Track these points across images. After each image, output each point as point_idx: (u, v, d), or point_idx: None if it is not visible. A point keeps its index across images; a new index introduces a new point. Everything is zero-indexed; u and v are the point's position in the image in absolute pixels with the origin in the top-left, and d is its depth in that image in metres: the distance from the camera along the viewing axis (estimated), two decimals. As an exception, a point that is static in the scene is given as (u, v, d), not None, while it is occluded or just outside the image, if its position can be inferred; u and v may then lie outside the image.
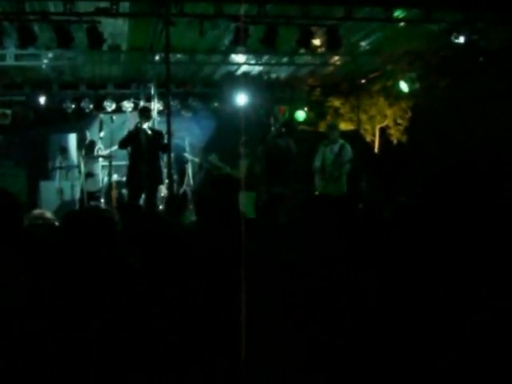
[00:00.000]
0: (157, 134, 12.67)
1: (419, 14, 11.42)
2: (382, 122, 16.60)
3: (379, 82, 16.31)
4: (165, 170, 13.98)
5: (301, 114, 17.13)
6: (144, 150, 12.24)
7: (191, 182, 15.50)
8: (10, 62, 13.35)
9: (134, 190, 12.79)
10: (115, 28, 11.82)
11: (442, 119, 14.06)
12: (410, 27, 12.11)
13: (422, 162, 14.66)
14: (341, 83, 16.97)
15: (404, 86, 14.87)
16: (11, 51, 12.81)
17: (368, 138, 16.80)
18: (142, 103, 16.10)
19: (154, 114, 14.89)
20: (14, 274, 3.36)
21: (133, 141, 12.49)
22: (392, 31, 12.41)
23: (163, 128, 11.83)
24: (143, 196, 12.82)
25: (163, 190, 14.49)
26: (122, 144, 12.90)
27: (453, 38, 11.84)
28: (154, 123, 14.48)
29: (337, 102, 17.05)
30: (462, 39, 11.76)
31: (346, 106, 16.98)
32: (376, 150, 16.73)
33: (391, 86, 15.67)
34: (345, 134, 14.73)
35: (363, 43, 13.36)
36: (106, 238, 3.73)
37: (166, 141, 11.49)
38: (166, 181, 14.25)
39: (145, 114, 12.69)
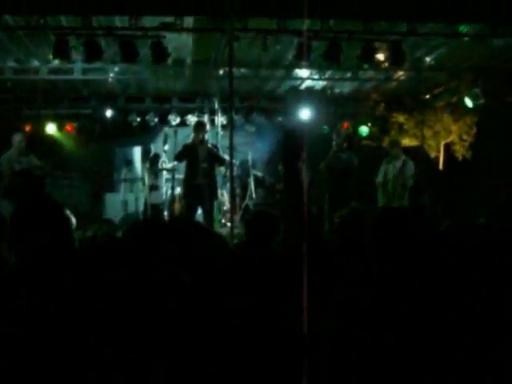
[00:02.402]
0: (213, 147, 12.71)
1: (484, 29, 11.32)
2: (446, 137, 16.43)
3: (444, 98, 16.16)
4: (227, 184, 14.08)
5: (364, 129, 17.12)
6: (199, 163, 12.27)
7: (254, 196, 15.54)
8: (77, 75, 13.62)
9: (189, 203, 12.82)
10: (179, 42, 11.96)
11: (508, 135, 13.89)
12: (474, 42, 12.00)
13: (488, 179, 14.51)
14: (405, 98, 16.88)
15: (469, 102, 14.72)
16: (78, 65, 13.05)
17: (432, 154, 16.65)
18: (206, 117, 16.25)
19: (218, 128, 15.01)
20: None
21: (189, 154, 12.53)
22: (456, 46, 12.32)
23: (226, 142, 11.87)
24: (200, 210, 12.84)
25: (226, 204, 14.56)
26: (178, 157, 12.98)
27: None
28: (217, 137, 14.59)
29: (401, 118, 16.94)
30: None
31: (410, 122, 16.85)
32: (441, 166, 16.57)
33: (456, 102, 15.52)
34: (408, 150, 14.63)
35: (427, 58, 13.28)
36: (163, 251, 3.75)
37: (227, 155, 11.54)
38: (223, 194, 14.39)
39: (199, 128, 12.72)
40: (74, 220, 7.42)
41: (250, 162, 15.73)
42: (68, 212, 6.99)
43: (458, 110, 15.71)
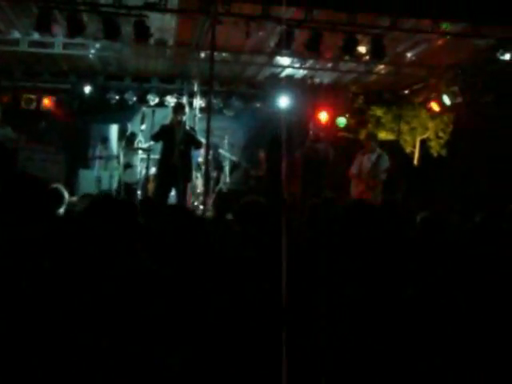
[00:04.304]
0: (191, 130, 12.69)
1: (467, 28, 11.39)
2: (423, 134, 16.54)
3: (422, 94, 16.25)
4: (202, 167, 14.07)
5: (342, 121, 17.09)
6: (176, 145, 12.24)
7: (227, 179, 15.58)
8: (57, 50, 13.53)
9: (162, 184, 12.78)
10: (163, 23, 11.94)
11: (483, 135, 14.00)
12: (456, 41, 12.08)
13: (462, 176, 14.61)
14: (384, 92, 16.94)
15: (446, 100, 14.87)
16: (59, 40, 12.98)
17: (408, 150, 16.74)
18: (184, 99, 16.20)
19: (196, 111, 14.98)
20: (38, 260, 3.41)
21: (166, 135, 12.50)
22: (438, 44, 12.39)
23: (203, 125, 11.84)
24: (173, 191, 12.83)
25: (199, 187, 14.55)
26: (155, 137, 12.89)
27: (499, 54, 11.82)
28: (194, 120, 14.55)
29: (379, 111, 16.99)
30: (507, 56, 11.73)
31: (387, 116, 16.91)
32: (415, 161, 16.67)
33: (434, 99, 15.63)
34: (384, 144, 14.68)
35: (408, 54, 13.35)
36: (126, 229, 3.72)
37: (204, 138, 11.50)
38: (197, 177, 14.40)
39: (179, 109, 12.68)
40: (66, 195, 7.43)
41: (225, 146, 15.75)
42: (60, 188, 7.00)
43: (436, 107, 15.81)
